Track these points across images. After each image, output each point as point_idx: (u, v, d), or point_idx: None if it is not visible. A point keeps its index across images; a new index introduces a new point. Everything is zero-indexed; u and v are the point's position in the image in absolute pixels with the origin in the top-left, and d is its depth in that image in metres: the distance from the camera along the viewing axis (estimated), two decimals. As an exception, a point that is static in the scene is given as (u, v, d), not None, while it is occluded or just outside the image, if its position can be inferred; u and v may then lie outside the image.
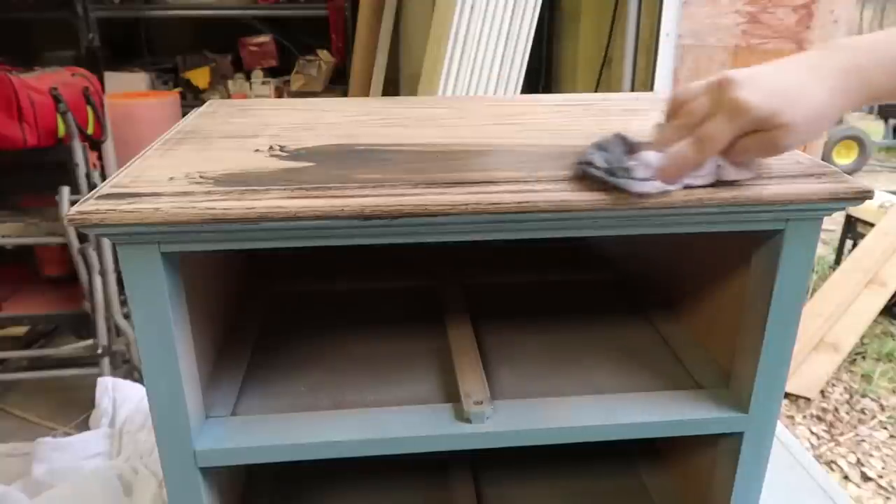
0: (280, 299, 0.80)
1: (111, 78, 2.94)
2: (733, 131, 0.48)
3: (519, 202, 0.48)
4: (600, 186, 0.49)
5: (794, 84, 0.48)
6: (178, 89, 3.38)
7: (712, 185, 0.50)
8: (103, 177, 1.93)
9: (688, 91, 0.52)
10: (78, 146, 1.85)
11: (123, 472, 0.94)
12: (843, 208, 0.52)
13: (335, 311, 0.78)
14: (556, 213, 0.49)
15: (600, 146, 0.51)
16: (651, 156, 0.49)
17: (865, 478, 1.95)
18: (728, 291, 0.63)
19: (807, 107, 0.48)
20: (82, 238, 1.85)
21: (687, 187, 0.49)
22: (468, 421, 0.58)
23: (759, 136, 0.48)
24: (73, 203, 1.36)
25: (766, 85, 0.48)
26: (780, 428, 0.93)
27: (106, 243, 1.89)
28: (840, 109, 0.49)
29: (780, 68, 0.50)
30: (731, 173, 0.50)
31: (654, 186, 0.48)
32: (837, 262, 3.10)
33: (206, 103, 0.79)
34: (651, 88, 1.98)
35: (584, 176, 0.50)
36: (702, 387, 0.63)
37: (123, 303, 1.99)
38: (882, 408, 2.27)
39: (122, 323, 1.98)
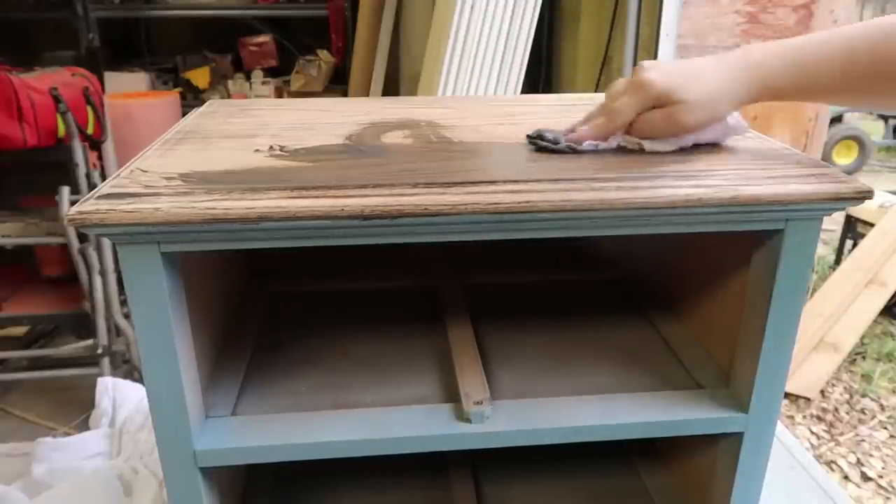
0: (280, 299, 0.80)
1: (111, 78, 2.94)
2: (637, 105, 0.57)
3: (519, 202, 0.48)
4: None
5: (693, 69, 0.57)
6: (178, 89, 3.38)
7: (713, 186, 0.50)
8: (103, 177, 1.93)
9: (615, 83, 0.61)
10: (78, 146, 1.85)
11: (123, 472, 0.94)
12: (843, 208, 0.52)
13: (335, 311, 0.78)
14: (555, 213, 0.49)
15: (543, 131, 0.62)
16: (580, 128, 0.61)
17: (865, 478, 1.95)
18: (728, 291, 0.63)
19: (701, 88, 0.56)
20: (82, 238, 1.85)
21: (596, 151, 0.59)
22: (468, 421, 0.58)
23: (660, 111, 0.56)
24: (73, 203, 1.36)
25: (668, 69, 0.57)
26: (780, 428, 0.93)
27: (106, 243, 1.89)
28: (735, 96, 0.56)
29: (689, 60, 0.58)
30: (647, 145, 0.58)
31: (585, 146, 0.59)
32: (837, 262, 3.10)
33: (206, 103, 0.79)
34: (651, 88, 1.97)
35: (537, 149, 0.60)
36: (702, 387, 0.63)
37: (123, 303, 1.99)
38: (882, 408, 2.28)
39: (122, 323, 1.98)
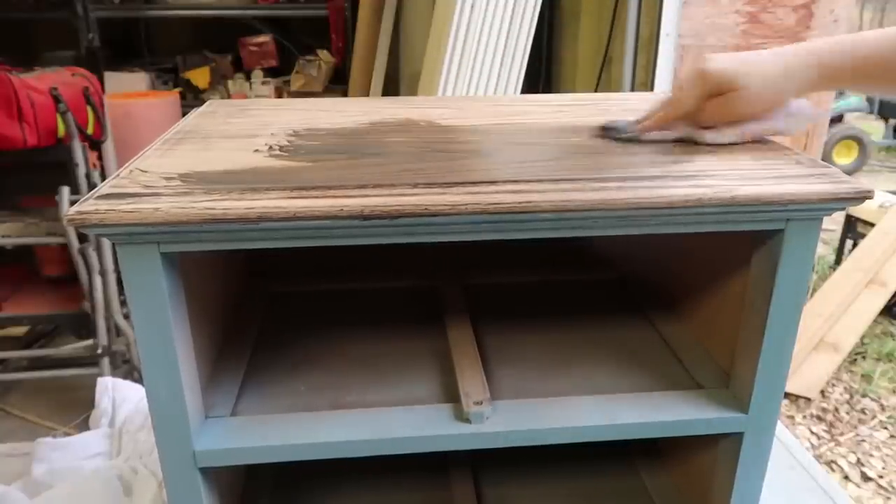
0: (280, 299, 0.80)
1: (111, 78, 2.94)
2: (697, 94, 0.58)
3: (519, 202, 0.48)
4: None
5: (753, 59, 0.57)
6: (178, 89, 3.38)
7: (722, 183, 0.50)
8: (103, 177, 1.93)
9: (681, 74, 0.63)
10: (78, 146, 1.85)
11: (123, 472, 0.94)
12: (843, 208, 0.52)
13: (335, 311, 0.78)
14: (556, 213, 0.49)
15: (612, 123, 0.65)
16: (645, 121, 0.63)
17: (865, 478, 1.95)
18: (728, 291, 0.63)
19: (761, 77, 0.56)
20: (82, 238, 1.85)
21: (660, 141, 0.61)
22: (468, 421, 0.58)
23: (721, 98, 0.57)
24: (73, 203, 1.36)
25: (728, 58, 0.57)
26: (780, 428, 0.93)
27: (106, 243, 1.89)
28: (794, 85, 0.57)
29: (748, 52, 0.59)
30: (707, 137, 0.59)
31: (648, 136, 0.62)
32: (837, 262, 3.10)
33: (206, 103, 0.79)
34: (651, 88, 1.97)
35: (605, 138, 0.63)
36: (702, 387, 0.63)
37: (123, 303, 1.99)
38: (882, 408, 2.27)
39: (122, 323, 1.98)
